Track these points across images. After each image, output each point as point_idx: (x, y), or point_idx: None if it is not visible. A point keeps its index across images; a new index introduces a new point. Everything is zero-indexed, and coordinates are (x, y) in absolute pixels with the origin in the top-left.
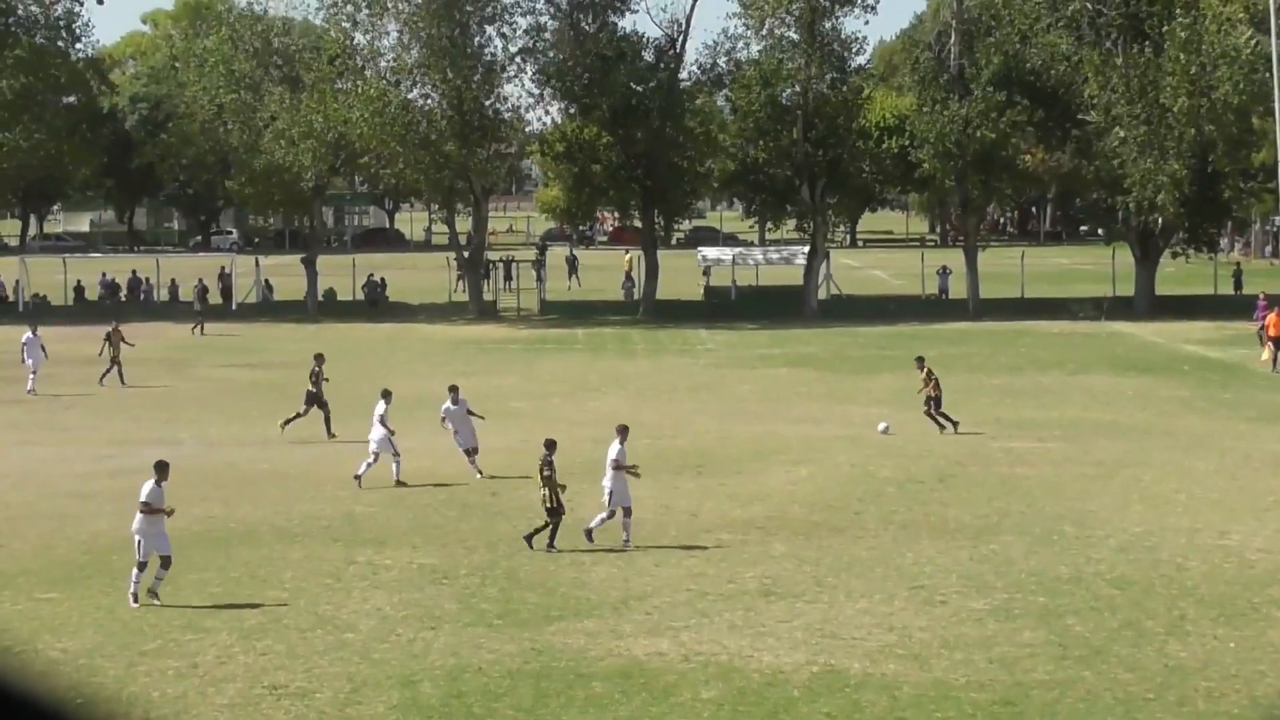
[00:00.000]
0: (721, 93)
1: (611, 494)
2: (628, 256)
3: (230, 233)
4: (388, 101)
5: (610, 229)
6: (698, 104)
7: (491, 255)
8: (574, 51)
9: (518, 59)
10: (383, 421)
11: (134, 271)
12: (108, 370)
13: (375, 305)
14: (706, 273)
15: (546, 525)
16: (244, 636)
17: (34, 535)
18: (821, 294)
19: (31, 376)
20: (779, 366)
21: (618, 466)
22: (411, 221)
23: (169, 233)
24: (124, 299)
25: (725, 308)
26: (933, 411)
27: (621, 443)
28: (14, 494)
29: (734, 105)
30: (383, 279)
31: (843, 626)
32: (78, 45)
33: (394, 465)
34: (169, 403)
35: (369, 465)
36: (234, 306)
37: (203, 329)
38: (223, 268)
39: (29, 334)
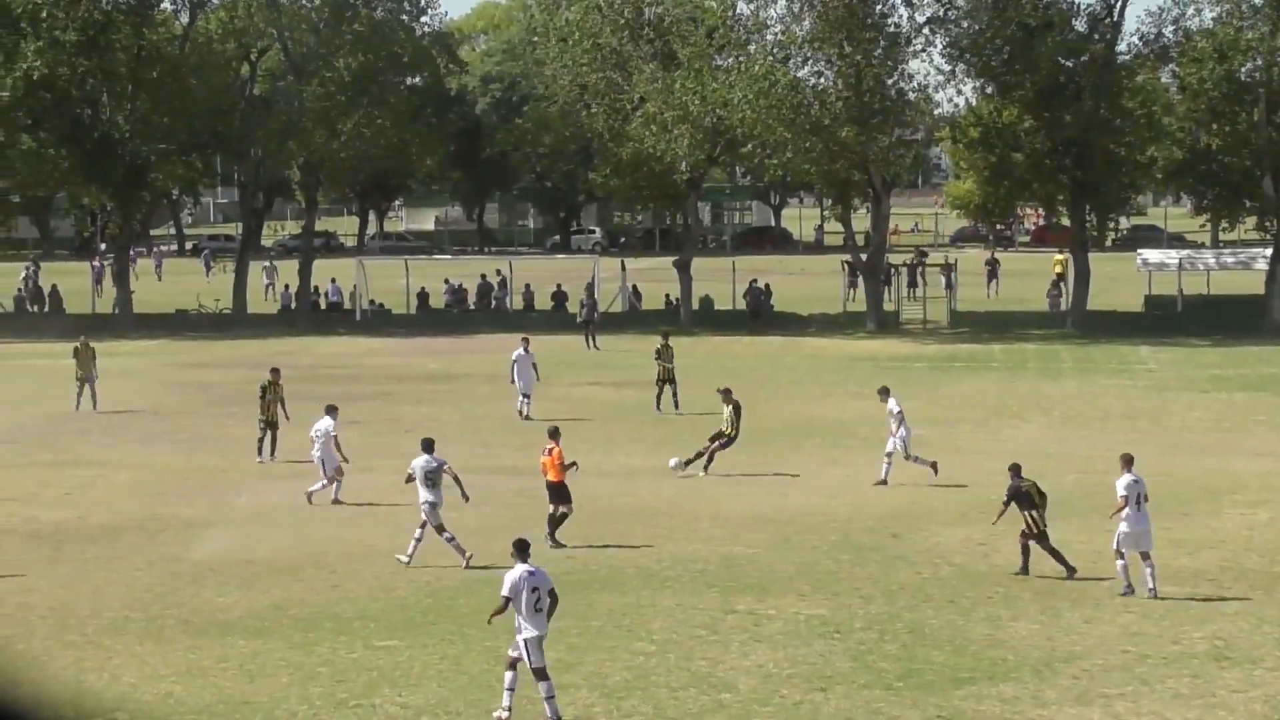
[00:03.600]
0: (1167, 68)
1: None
2: (1058, 259)
3: (593, 231)
4: (775, 80)
5: (1033, 227)
6: (1138, 81)
7: (894, 258)
8: (992, 21)
9: (926, 30)
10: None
11: (484, 275)
12: (670, 391)
13: (758, 315)
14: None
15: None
16: (606, 694)
17: (372, 576)
18: None
19: (522, 400)
20: (1234, 390)
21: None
22: (800, 219)
23: (524, 231)
24: (473, 307)
25: (1169, 320)
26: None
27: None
28: (351, 529)
29: (1182, 83)
30: (767, 285)
31: None
32: (423, 19)
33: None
34: (520, 426)
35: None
36: (596, 316)
37: (594, 340)
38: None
39: (519, 350)
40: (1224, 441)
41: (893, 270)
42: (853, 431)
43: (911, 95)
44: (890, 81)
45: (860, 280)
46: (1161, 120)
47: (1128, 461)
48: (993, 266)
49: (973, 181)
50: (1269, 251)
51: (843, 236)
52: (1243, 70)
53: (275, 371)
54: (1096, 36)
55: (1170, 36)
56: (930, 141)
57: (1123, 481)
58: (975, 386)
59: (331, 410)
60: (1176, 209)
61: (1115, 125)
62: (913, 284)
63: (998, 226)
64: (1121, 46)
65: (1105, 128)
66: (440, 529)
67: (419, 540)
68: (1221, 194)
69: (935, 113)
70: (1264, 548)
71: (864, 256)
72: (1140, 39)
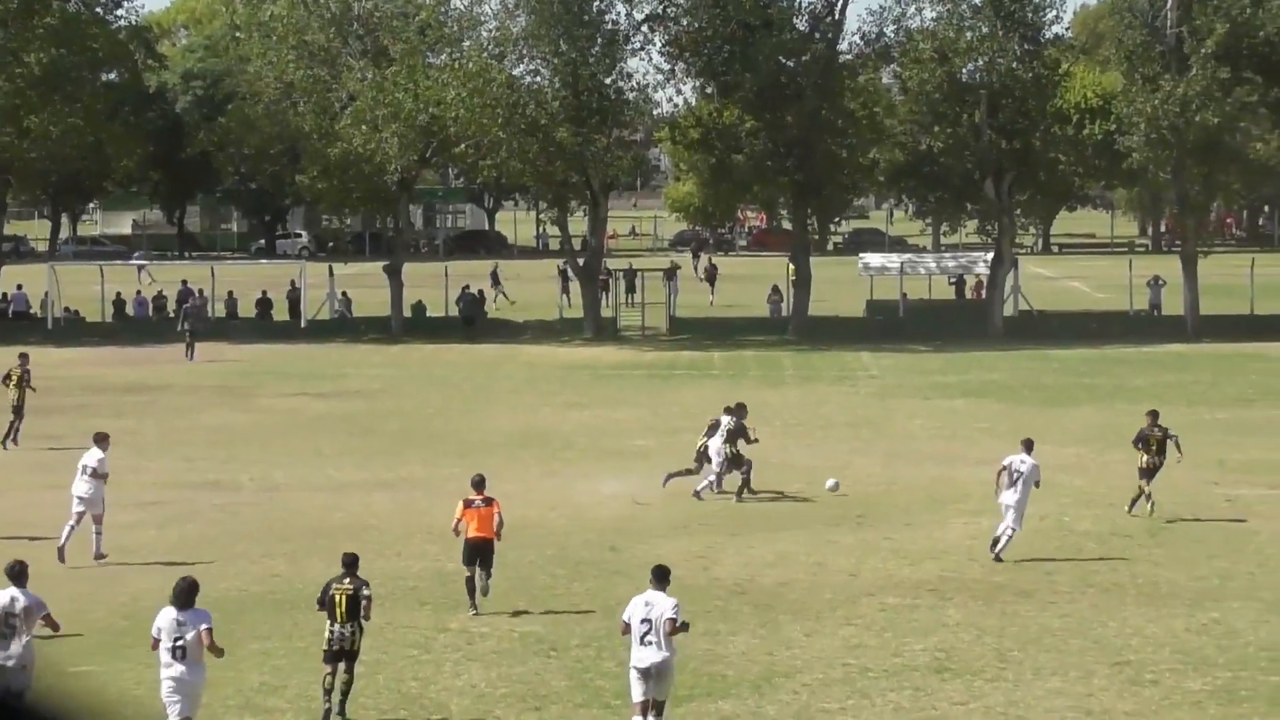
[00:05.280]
0: (889, 68)
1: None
2: (792, 267)
3: (299, 236)
4: (489, 78)
5: (753, 231)
6: (860, 82)
7: (611, 263)
8: (712, 19)
9: (644, 28)
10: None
11: (184, 282)
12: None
13: (472, 323)
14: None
15: None
16: (313, 718)
17: (65, 598)
18: (1008, 310)
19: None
20: (956, 397)
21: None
22: (515, 223)
23: (227, 236)
24: (171, 314)
25: (891, 326)
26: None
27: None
28: (43, 549)
29: (904, 84)
30: (481, 291)
31: (1031, 710)
32: (119, 12)
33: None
34: (226, 439)
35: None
36: (303, 324)
37: (193, 352)
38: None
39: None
40: (947, 449)
41: (610, 275)
42: (571, 442)
43: (630, 95)
44: (608, 80)
45: (565, 284)
46: (883, 122)
47: (1028, 445)
48: (711, 272)
49: (693, 184)
50: (990, 256)
51: (560, 240)
52: (964, 72)
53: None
54: (818, 36)
55: (892, 36)
56: (649, 142)
57: (1016, 458)
58: (696, 395)
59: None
60: (899, 212)
61: (837, 126)
62: (630, 289)
63: (719, 230)
64: (843, 46)
65: (827, 129)
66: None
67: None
68: (943, 197)
69: (654, 113)
70: (986, 557)
71: (581, 261)
72: (862, 39)
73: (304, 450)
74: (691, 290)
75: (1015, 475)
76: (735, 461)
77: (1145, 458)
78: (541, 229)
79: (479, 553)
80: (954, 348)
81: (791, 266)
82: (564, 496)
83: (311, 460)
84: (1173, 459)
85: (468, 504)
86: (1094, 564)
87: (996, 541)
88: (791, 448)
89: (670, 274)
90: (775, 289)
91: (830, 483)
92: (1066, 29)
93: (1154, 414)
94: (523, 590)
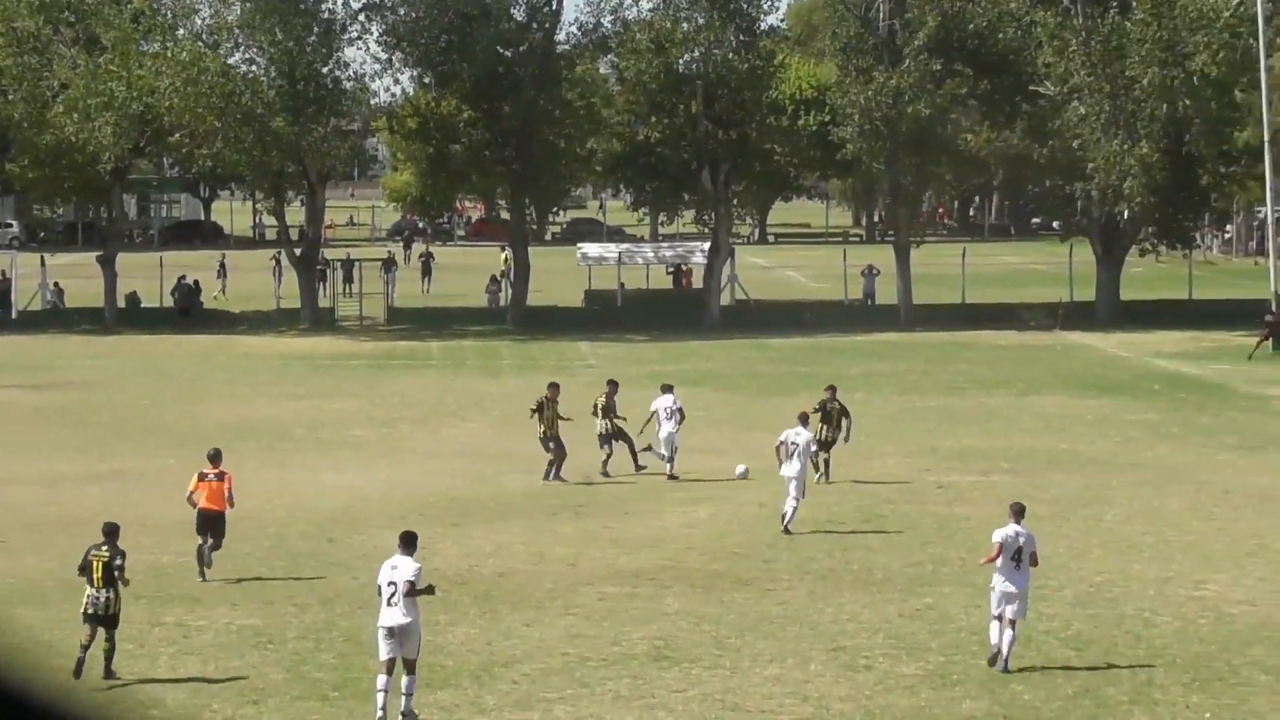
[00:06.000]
0: (606, 59)
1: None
2: (505, 256)
3: (10, 225)
4: (203, 67)
5: (471, 221)
6: (578, 72)
7: (329, 253)
8: (430, 9)
9: (361, 17)
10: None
11: None
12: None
13: (187, 313)
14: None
15: None
16: None
17: None
18: (724, 299)
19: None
20: (674, 385)
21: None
22: (232, 212)
23: None
24: None
25: (609, 316)
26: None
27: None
28: None
29: (621, 74)
30: (196, 281)
31: (748, 697)
32: None
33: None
34: None
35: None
36: (14, 315)
37: None
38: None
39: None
40: None
41: (328, 265)
42: (288, 433)
43: (347, 84)
44: (325, 70)
45: (279, 273)
46: (601, 112)
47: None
48: (426, 261)
49: (410, 173)
50: (706, 246)
51: (277, 230)
52: (680, 62)
53: None
54: (535, 26)
55: (609, 27)
56: (367, 132)
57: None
58: (414, 384)
59: None
60: (616, 203)
61: (555, 117)
62: (348, 279)
63: (437, 220)
64: (561, 37)
65: (545, 119)
66: None
67: None
68: (660, 187)
69: (372, 102)
70: (704, 545)
71: (298, 251)
72: (579, 29)
73: (15, 443)
74: (407, 280)
75: (792, 448)
76: (619, 435)
77: (824, 429)
78: (258, 219)
79: (209, 523)
80: (671, 337)
81: (504, 255)
82: (281, 488)
83: (23, 453)
84: (844, 436)
85: (201, 476)
86: (811, 551)
87: (785, 516)
88: (510, 436)
89: (388, 264)
90: (493, 279)
91: (740, 469)
92: (782, 21)
93: (832, 389)
94: (239, 582)
